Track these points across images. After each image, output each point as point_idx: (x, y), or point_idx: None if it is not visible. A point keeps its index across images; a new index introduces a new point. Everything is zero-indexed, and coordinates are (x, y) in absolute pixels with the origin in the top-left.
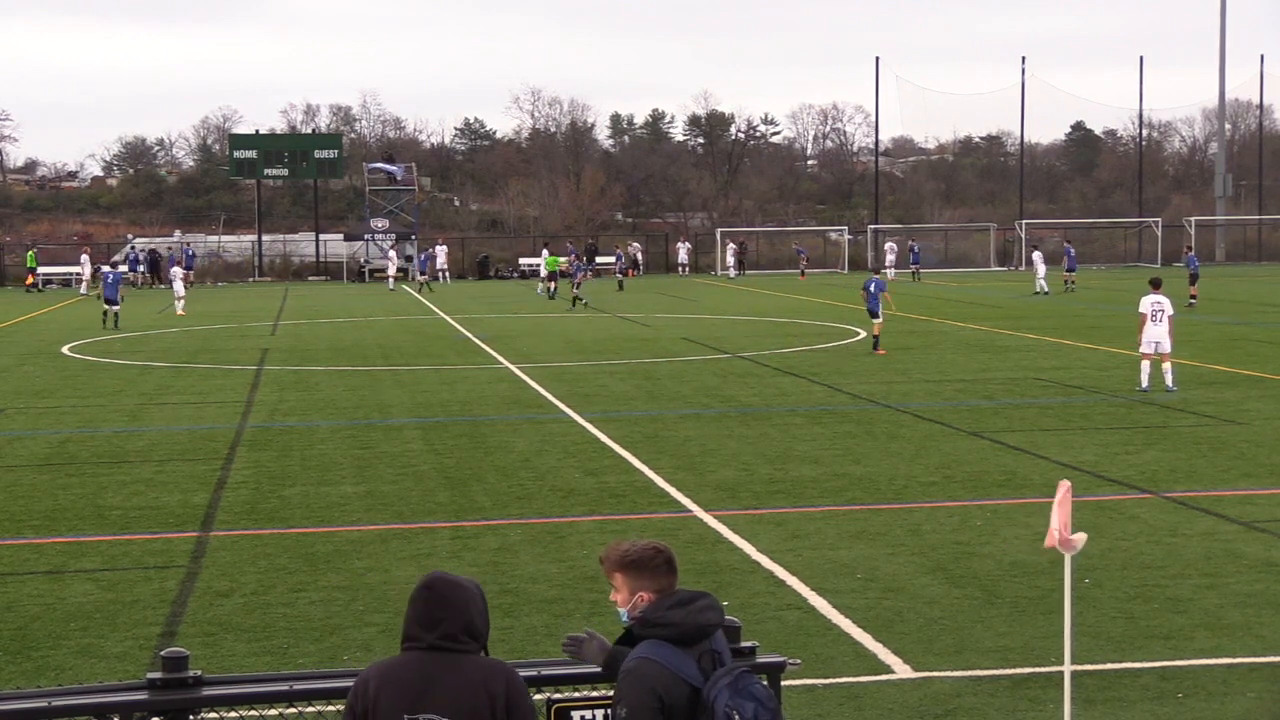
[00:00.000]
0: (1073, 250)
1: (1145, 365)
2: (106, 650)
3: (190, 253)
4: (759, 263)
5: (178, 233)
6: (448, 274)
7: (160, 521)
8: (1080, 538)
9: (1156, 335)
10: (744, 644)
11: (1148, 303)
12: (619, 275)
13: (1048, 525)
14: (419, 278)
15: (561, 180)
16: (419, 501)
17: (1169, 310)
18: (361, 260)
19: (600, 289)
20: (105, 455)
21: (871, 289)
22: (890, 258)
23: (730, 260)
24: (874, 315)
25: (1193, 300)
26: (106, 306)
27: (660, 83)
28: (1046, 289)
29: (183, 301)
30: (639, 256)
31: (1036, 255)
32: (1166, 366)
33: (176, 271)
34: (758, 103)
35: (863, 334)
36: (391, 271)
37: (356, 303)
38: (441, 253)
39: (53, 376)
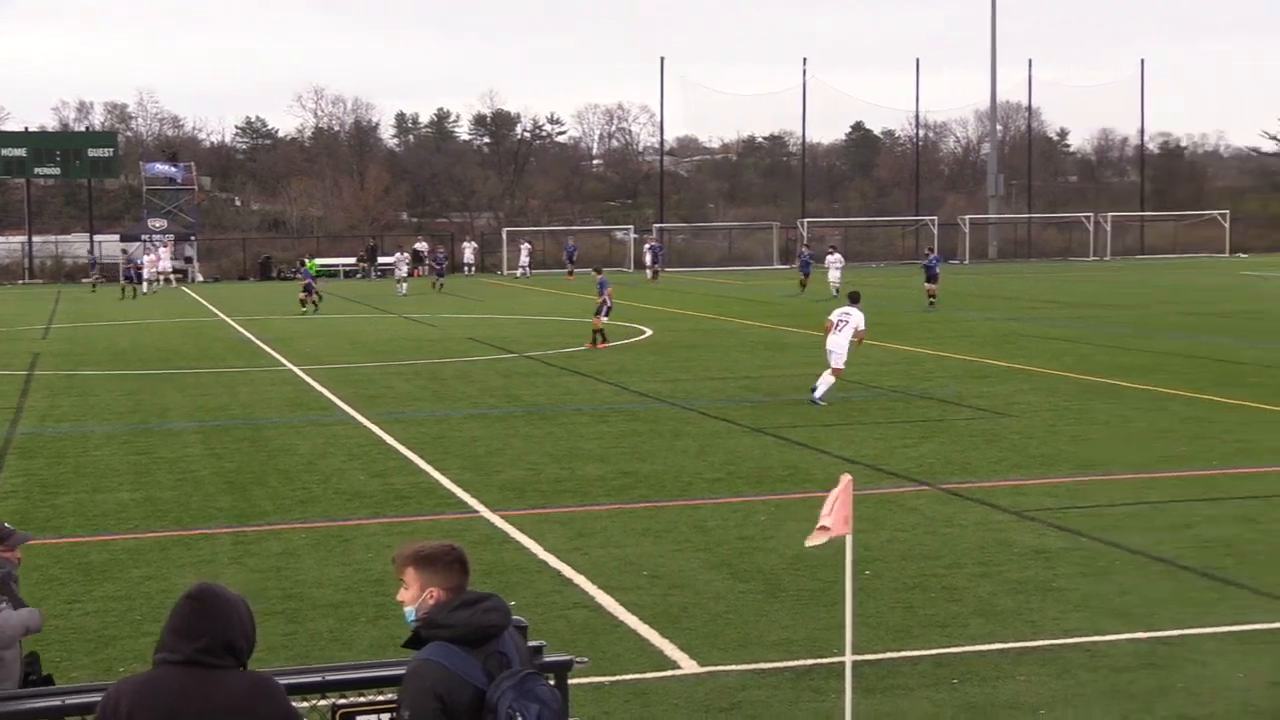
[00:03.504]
0: (808, 253)
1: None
2: None
3: None
4: (545, 262)
5: None
6: (167, 278)
7: None
8: (822, 536)
9: (832, 345)
10: (531, 643)
11: (837, 313)
12: (439, 275)
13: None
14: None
15: (345, 180)
16: (199, 507)
17: (856, 323)
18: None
19: (412, 288)
20: None
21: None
22: (648, 259)
23: (524, 260)
24: (598, 312)
25: (932, 300)
26: None
27: (445, 82)
28: (836, 294)
29: None
30: (424, 256)
31: (831, 257)
32: (827, 375)
33: None
34: (543, 102)
35: (650, 332)
36: (148, 275)
37: (134, 305)
38: (165, 255)
39: None
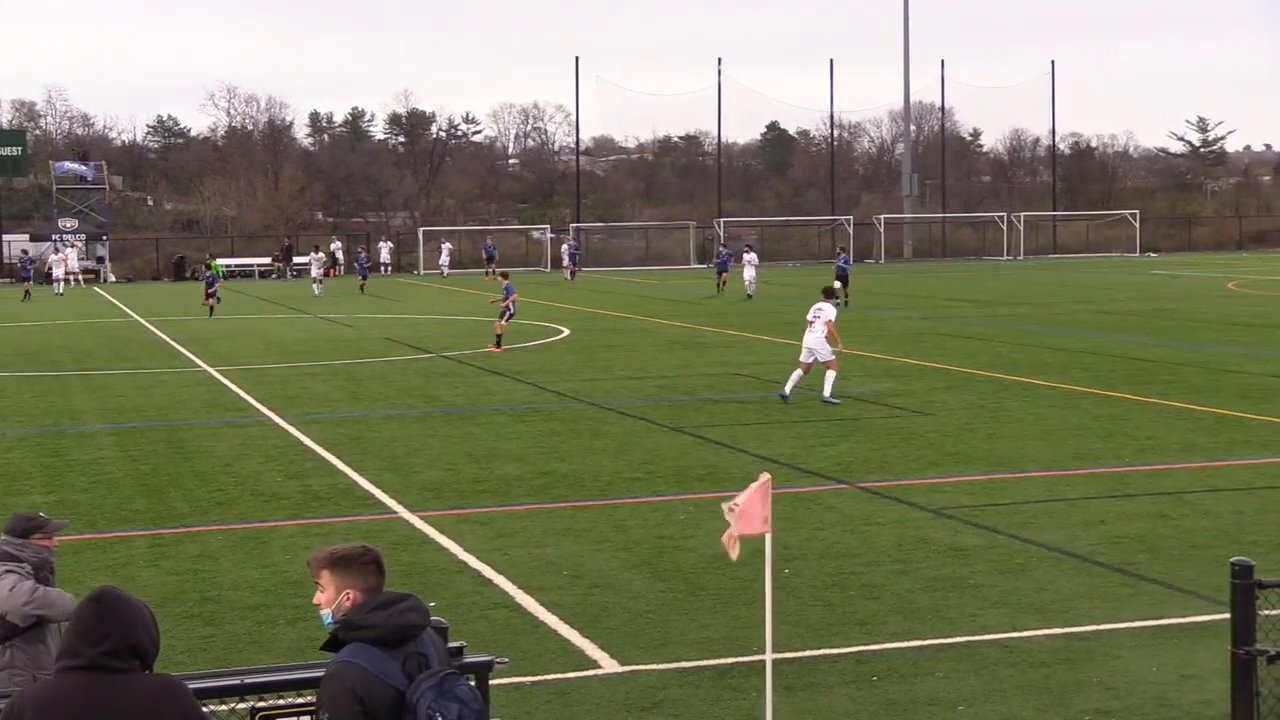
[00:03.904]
0: (726, 253)
1: (795, 374)
2: None
3: None
4: (463, 262)
5: None
6: (76, 278)
7: None
8: (733, 540)
9: (809, 342)
10: (451, 644)
11: (811, 311)
12: (363, 276)
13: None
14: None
15: (259, 179)
16: (114, 510)
17: (826, 316)
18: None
19: (337, 288)
20: None
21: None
22: (565, 258)
23: (445, 259)
24: (501, 316)
25: (844, 300)
26: None
27: (360, 81)
28: (752, 293)
29: None
30: (339, 256)
31: (748, 255)
32: (830, 374)
33: None
34: (459, 101)
35: (568, 331)
36: (58, 274)
37: (44, 306)
38: (72, 255)
39: None
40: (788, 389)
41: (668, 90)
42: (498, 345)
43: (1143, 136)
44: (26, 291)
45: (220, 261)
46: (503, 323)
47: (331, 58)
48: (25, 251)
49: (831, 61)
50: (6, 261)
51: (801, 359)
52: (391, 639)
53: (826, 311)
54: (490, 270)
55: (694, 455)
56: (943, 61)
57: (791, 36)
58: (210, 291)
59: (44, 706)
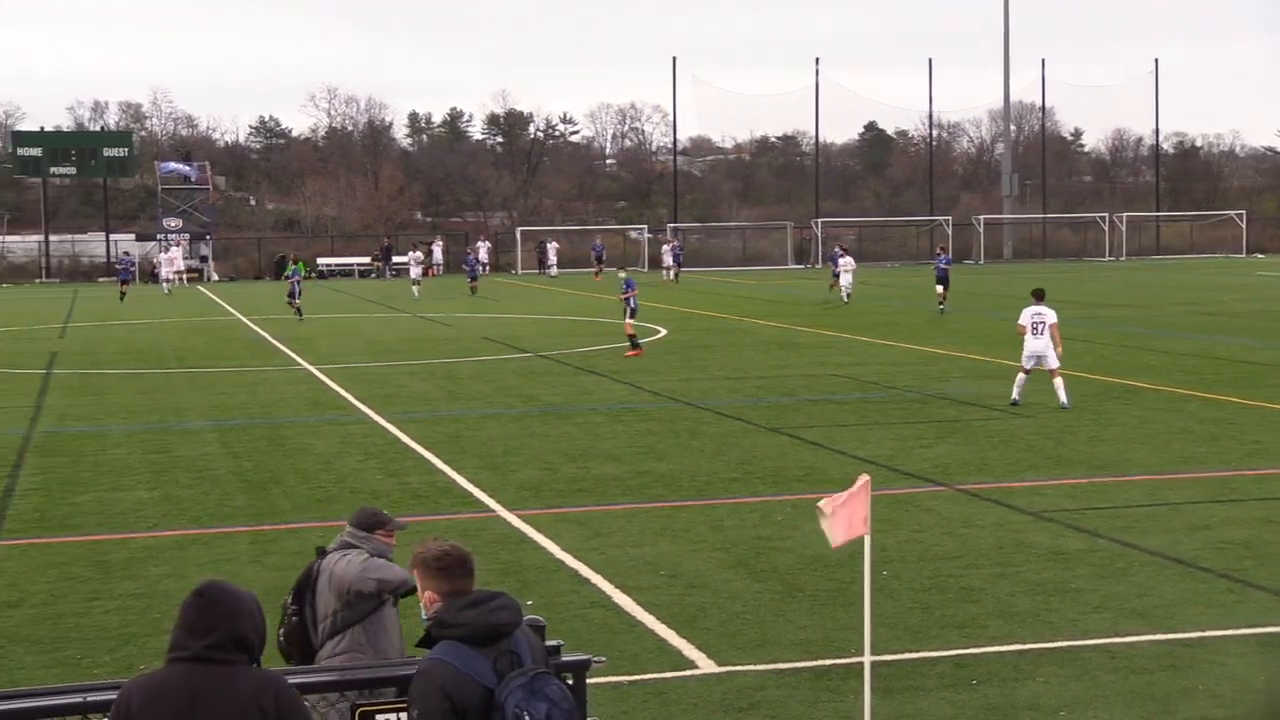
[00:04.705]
0: (839, 252)
1: (1020, 378)
2: None
3: None
4: (560, 261)
5: None
6: (182, 277)
7: None
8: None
9: (1038, 349)
10: (549, 642)
11: (1028, 315)
12: (470, 276)
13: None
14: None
15: (359, 179)
16: (217, 506)
17: (1050, 320)
18: (153, 261)
19: (441, 288)
20: None
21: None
22: (668, 259)
23: (553, 259)
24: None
25: (940, 305)
26: None
27: (458, 82)
28: (846, 299)
29: None
30: (438, 255)
31: (845, 260)
32: (1058, 382)
33: None
34: (556, 102)
35: (664, 331)
36: (166, 274)
37: (149, 305)
38: (178, 254)
39: None
40: (1016, 395)
41: (765, 90)
42: (635, 348)
43: (1250, 136)
44: (122, 294)
45: (322, 260)
46: (631, 321)
47: (430, 59)
48: (127, 253)
49: (930, 61)
50: (114, 261)
51: (1025, 365)
52: (482, 637)
53: (1050, 315)
54: (599, 270)
55: (791, 456)
56: (1043, 60)
57: (889, 36)
58: (292, 293)
59: (150, 696)
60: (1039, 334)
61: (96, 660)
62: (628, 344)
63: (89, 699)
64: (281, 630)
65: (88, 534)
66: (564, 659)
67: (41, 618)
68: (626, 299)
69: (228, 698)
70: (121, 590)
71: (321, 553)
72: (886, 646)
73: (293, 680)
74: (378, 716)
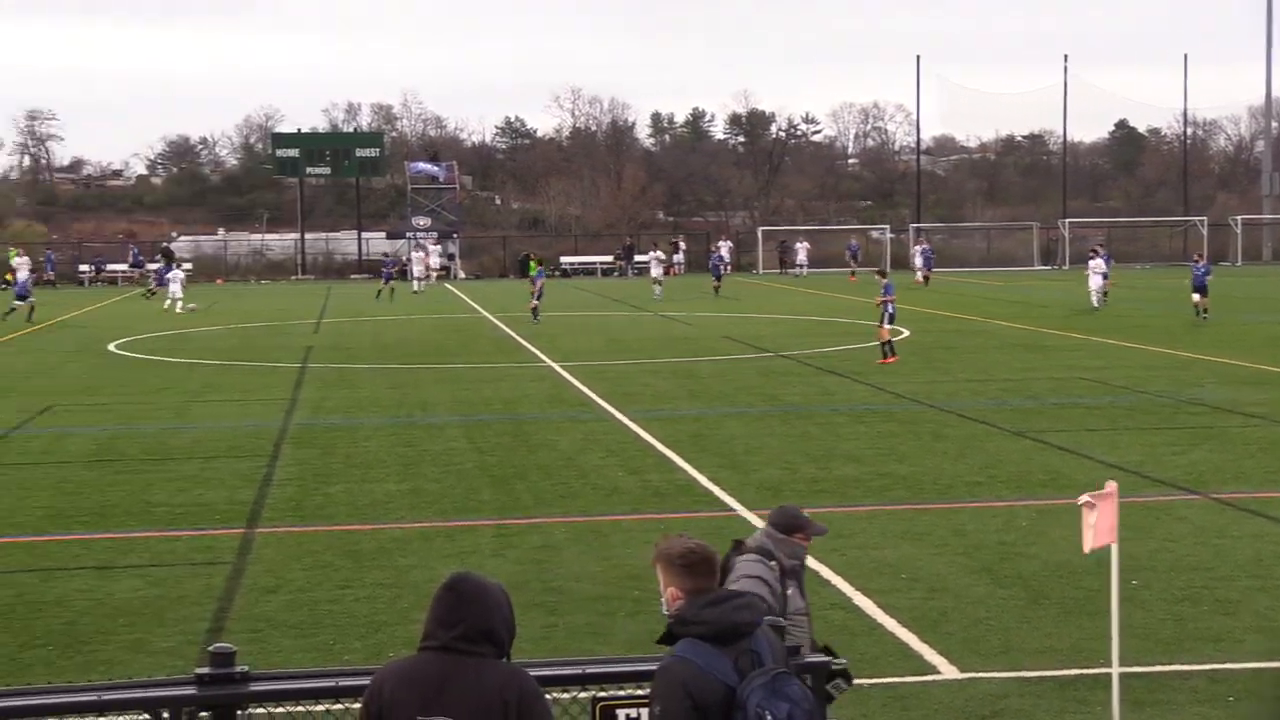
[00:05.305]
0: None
1: None
2: (155, 645)
3: (51, 258)
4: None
5: (221, 231)
6: (435, 275)
7: (206, 518)
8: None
9: None
10: (788, 644)
11: None
12: (715, 276)
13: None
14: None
15: (602, 179)
16: (462, 499)
17: None
18: (403, 258)
19: (683, 287)
20: (152, 452)
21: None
22: (919, 260)
23: (802, 258)
24: (881, 321)
25: (1202, 314)
26: (18, 302)
27: (700, 82)
28: (1097, 305)
29: (180, 302)
30: (681, 255)
31: (1094, 261)
32: None
33: (176, 274)
34: (798, 102)
35: (907, 333)
36: (418, 273)
37: (398, 302)
38: (434, 252)
39: (100, 374)
40: None
41: (1010, 89)
42: (887, 355)
43: None
44: (379, 291)
45: (565, 259)
46: (886, 328)
47: (672, 59)
48: (386, 254)
49: (1185, 57)
50: (365, 259)
51: None
52: (723, 636)
53: None
54: (854, 271)
55: (1036, 460)
56: None
57: (1141, 32)
58: (535, 294)
59: (401, 681)
60: None
61: (348, 646)
62: (879, 350)
63: (340, 684)
64: None
65: (339, 524)
66: (805, 660)
67: (297, 604)
68: (884, 303)
69: (472, 689)
70: (371, 579)
71: (737, 547)
72: (1136, 658)
73: (534, 673)
74: (619, 711)
